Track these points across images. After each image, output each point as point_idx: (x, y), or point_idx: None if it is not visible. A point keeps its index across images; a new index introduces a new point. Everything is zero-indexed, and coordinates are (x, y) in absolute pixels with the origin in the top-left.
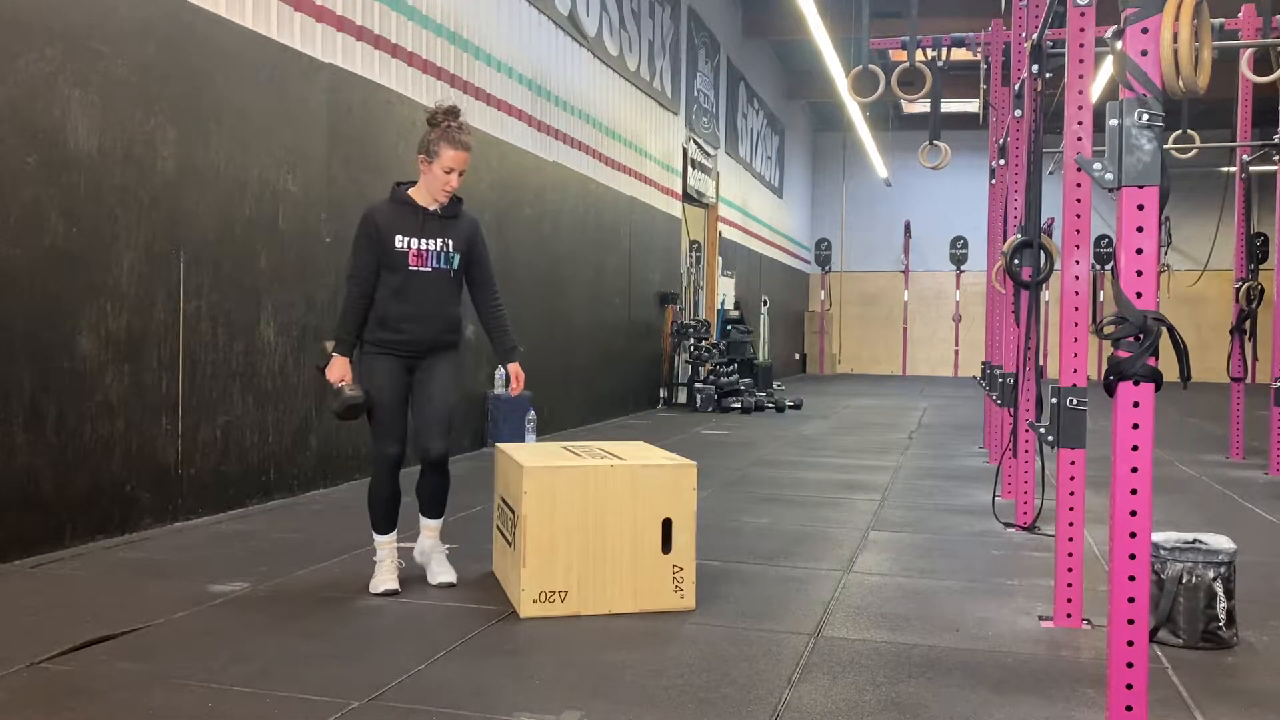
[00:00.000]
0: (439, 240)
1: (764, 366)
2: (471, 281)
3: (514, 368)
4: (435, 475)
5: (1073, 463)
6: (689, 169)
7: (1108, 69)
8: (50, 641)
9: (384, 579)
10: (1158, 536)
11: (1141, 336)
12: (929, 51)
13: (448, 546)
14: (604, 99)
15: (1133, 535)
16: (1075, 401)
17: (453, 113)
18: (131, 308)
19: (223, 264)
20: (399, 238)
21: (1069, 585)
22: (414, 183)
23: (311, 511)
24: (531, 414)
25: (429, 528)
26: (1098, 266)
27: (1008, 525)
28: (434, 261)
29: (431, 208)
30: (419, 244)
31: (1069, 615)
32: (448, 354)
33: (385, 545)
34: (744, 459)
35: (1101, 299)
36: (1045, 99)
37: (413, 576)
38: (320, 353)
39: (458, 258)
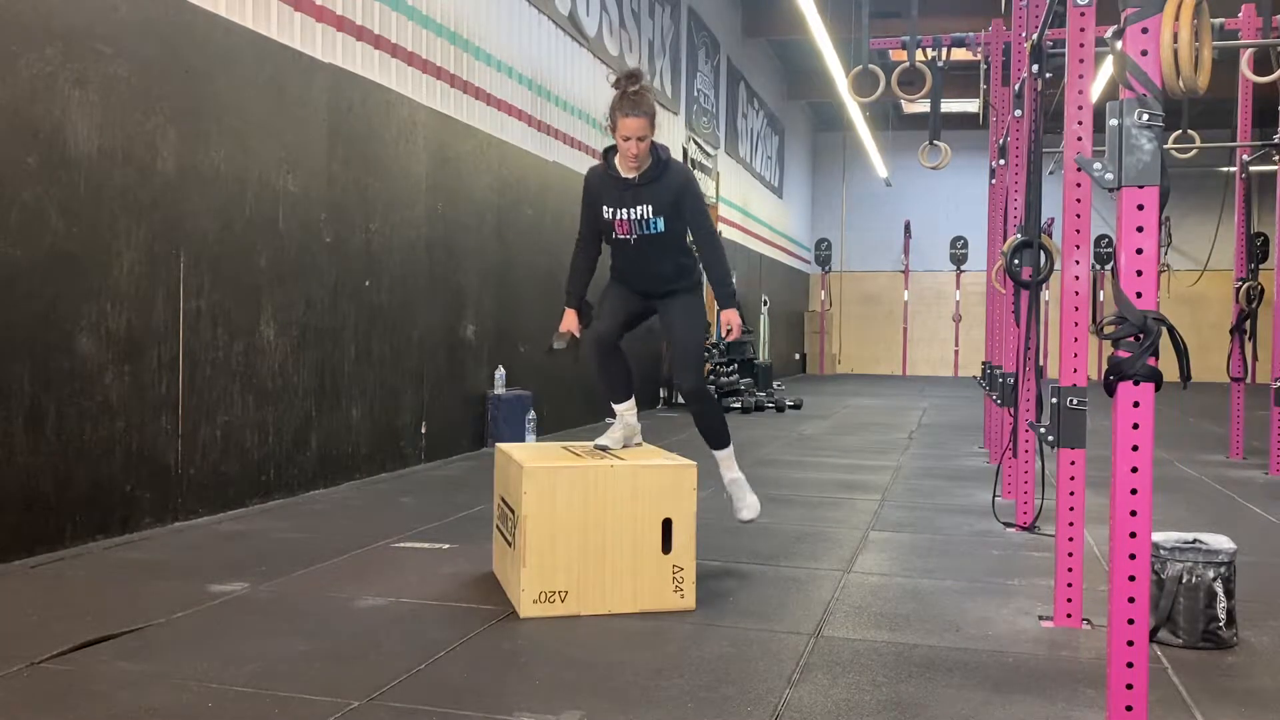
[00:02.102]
0: (638, 208)
1: (764, 366)
2: (692, 234)
3: (726, 314)
4: (694, 405)
5: (1073, 463)
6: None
7: (1108, 69)
8: (50, 641)
9: (603, 437)
10: (1158, 536)
11: (1141, 336)
12: (929, 51)
13: (743, 476)
14: (604, 99)
15: (1133, 535)
16: (1075, 401)
17: (632, 78)
18: (131, 308)
19: (223, 264)
20: (605, 207)
21: (1069, 585)
22: None
23: (311, 511)
24: (531, 414)
25: (719, 460)
26: (1098, 266)
27: (1008, 525)
28: (636, 229)
29: (630, 175)
30: (621, 214)
31: (1069, 615)
32: (681, 296)
33: (617, 410)
34: (744, 459)
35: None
36: (1045, 99)
37: (411, 577)
38: (554, 335)
39: (660, 220)
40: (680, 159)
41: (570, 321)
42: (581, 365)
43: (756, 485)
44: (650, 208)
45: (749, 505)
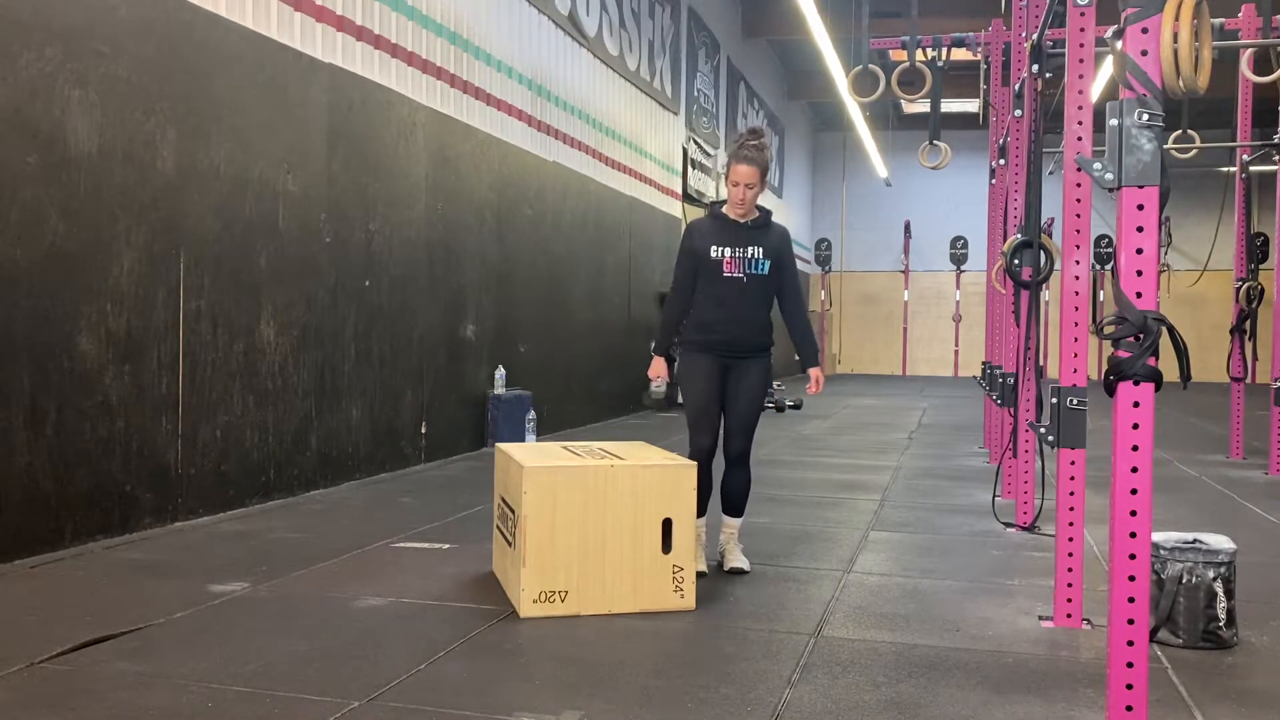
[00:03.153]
0: (749, 249)
1: None
2: (782, 290)
3: (815, 372)
4: (736, 470)
5: (1073, 463)
6: (689, 169)
7: (1108, 69)
8: (50, 641)
9: (737, 555)
10: (1158, 536)
11: (1141, 336)
12: (929, 51)
13: (742, 545)
14: (604, 99)
15: (1133, 535)
16: (1075, 401)
17: (753, 133)
18: (131, 308)
19: (223, 264)
20: (714, 247)
21: (1069, 585)
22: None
23: (311, 511)
24: (531, 414)
25: (728, 525)
26: (1098, 266)
27: (1008, 525)
28: (745, 268)
29: (741, 220)
30: (731, 252)
31: (1069, 615)
32: (760, 359)
33: (700, 523)
34: None
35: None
36: (1045, 99)
37: (411, 577)
38: (655, 384)
39: (768, 264)
40: (680, 159)
41: (661, 368)
42: (582, 365)
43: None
44: (760, 250)
45: (741, 559)
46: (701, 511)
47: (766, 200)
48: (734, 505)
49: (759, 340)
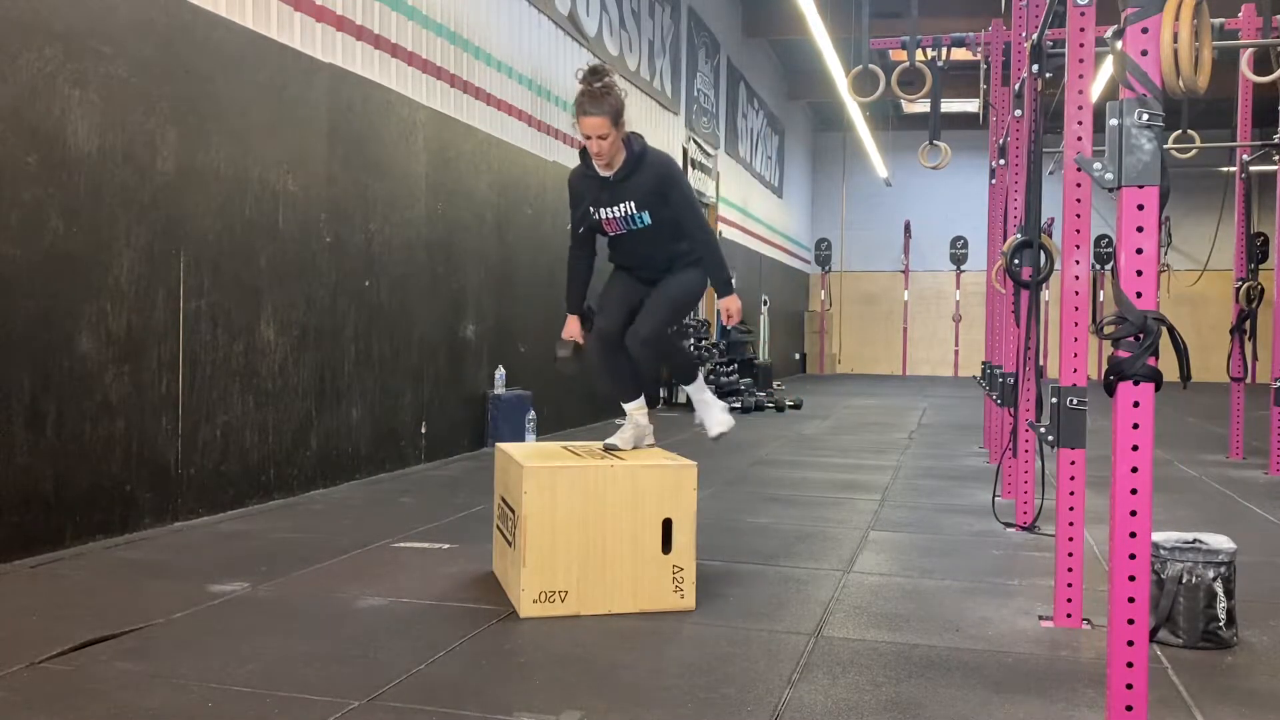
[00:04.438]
0: (621, 206)
1: (764, 366)
2: (679, 223)
3: (722, 302)
4: (647, 351)
5: (1073, 463)
6: (689, 169)
7: (1108, 69)
8: (50, 641)
9: (614, 437)
10: (1158, 536)
11: (1141, 336)
12: (929, 51)
13: (711, 398)
14: None
15: (1133, 535)
16: (1075, 401)
17: (593, 74)
18: (131, 308)
19: (223, 264)
20: (591, 207)
21: (1069, 585)
22: None
23: (311, 511)
24: (531, 414)
25: (690, 391)
26: (1098, 266)
27: (1008, 525)
28: (624, 225)
29: (606, 174)
30: (606, 212)
31: (1069, 615)
32: (679, 271)
33: (629, 410)
34: (744, 459)
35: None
36: (1045, 99)
37: (411, 577)
38: (559, 344)
39: (646, 214)
40: (681, 159)
41: (574, 328)
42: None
43: (756, 485)
44: (633, 204)
45: (719, 421)
46: (632, 394)
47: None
48: (677, 374)
49: (672, 265)
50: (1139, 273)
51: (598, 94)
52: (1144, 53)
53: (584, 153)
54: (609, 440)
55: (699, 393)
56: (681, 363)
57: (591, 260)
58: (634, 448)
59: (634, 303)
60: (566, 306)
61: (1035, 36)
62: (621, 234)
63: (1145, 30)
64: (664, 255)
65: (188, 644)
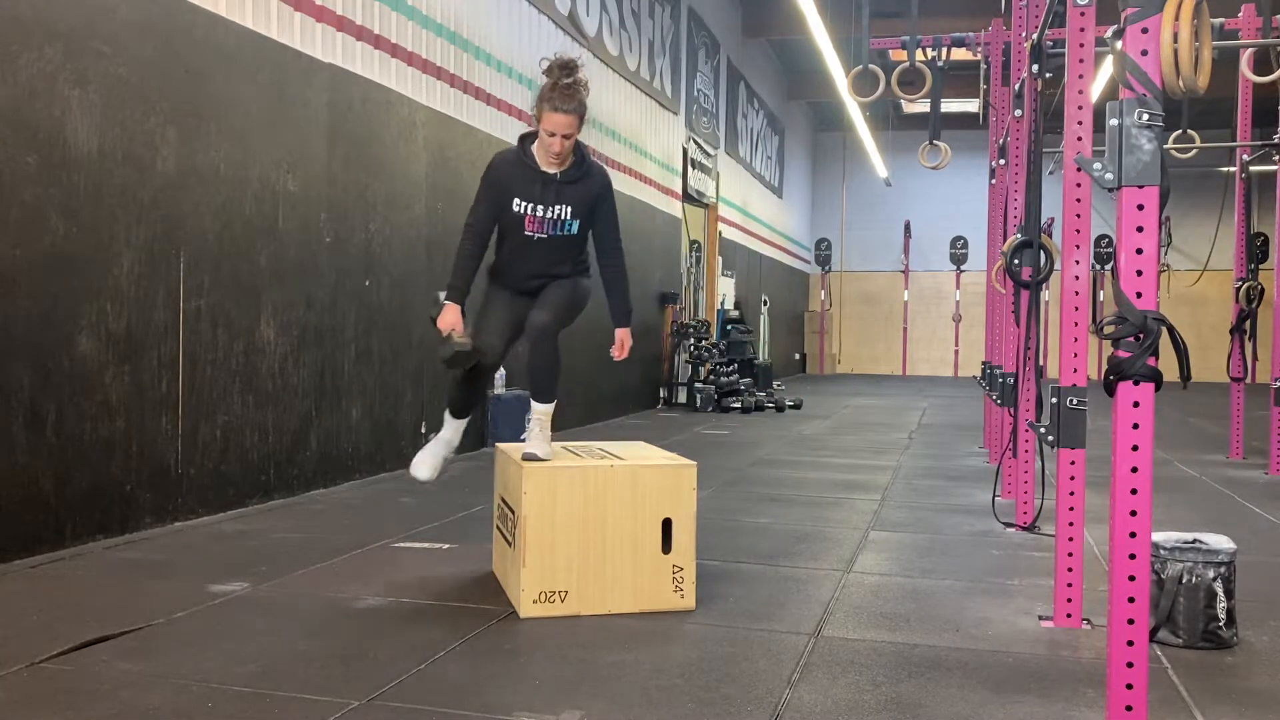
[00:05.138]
0: (557, 208)
1: (764, 366)
2: (595, 239)
3: (621, 333)
4: (542, 344)
5: (1073, 463)
6: (689, 169)
7: (1108, 69)
8: (50, 641)
9: (424, 460)
10: (1158, 536)
11: (1141, 336)
12: (929, 51)
13: (548, 434)
14: (604, 99)
15: (1133, 535)
16: (1075, 401)
17: (566, 67)
18: (131, 308)
19: (223, 264)
20: (516, 200)
21: (1069, 585)
22: None
23: (311, 511)
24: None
25: (535, 411)
26: (1098, 266)
27: (1008, 525)
28: (549, 229)
29: (551, 171)
30: (535, 210)
31: (1069, 615)
32: (566, 278)
33: (450, 425)
34: (744, 459)
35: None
36: (1045, 99)
37: (411, 577)
38: (432, 302)
39: (576, 224)
40: (680, 159)
41: (456, 319)
42: (582, 365)
43: (756, 485)
44: (570, 209)
45: (540, 449)
46: (461, 413)
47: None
48: (538, 386)
49: (561, 273)
50: (1139, 273)
51: (570, 90)
52: (1144, 53)
53: (523, 140)
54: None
55: (544, 419)
56: (556, 371)
57: (485, 249)
58: (441, 464)
59: (517, 321)
60: (449, 295)
61: (1035, 36)
62: (539, 237)
63: (1145, 30)
64: (560, 269)
65: (188, 644)
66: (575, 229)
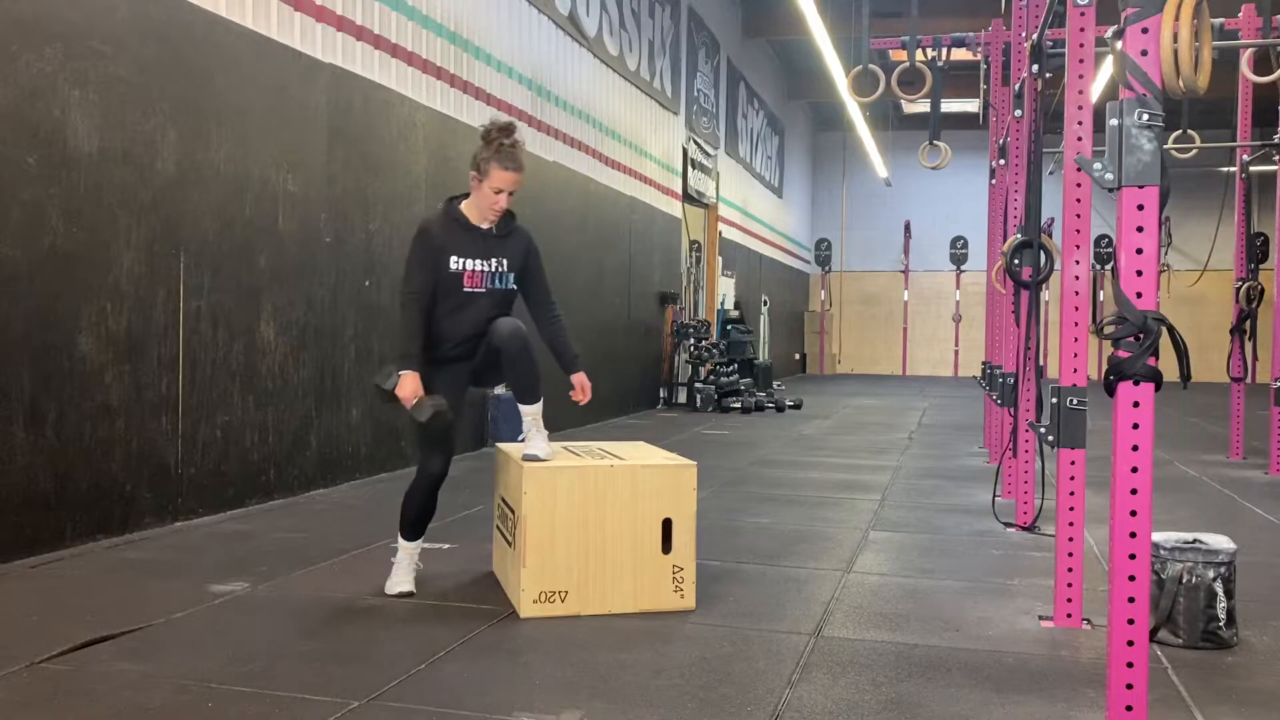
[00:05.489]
0: (494, 260)
1: (764, 366)
2: (528, 298)
3: (578, 377)
4: (515, 344)
5: (1073, 463)
6: (689, 169)
7: (1108, 69)
8: (50, 641)
9: (400, 580)
10: (1158, 536)
11: (1141, 336)
12: (929, 51)
13: (545, 432)
14: (604, 99)
15: (1133, 535)
16: (1075, 401)
17: (507, 130)
18: (131, 308)
19: (223, 264)
20: (454, 258)
21: (1069, 585)
22: (466, 195)
23: (311, 511)
24: None
25: (528, 414)
26: (1098, 266)
27: (1008, 525)
28: (489, 282)
29: (484, 226)
30: (474, 265)
31: (1069, 615)
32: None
33: (407, 549)
34: (744, 459)
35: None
36: (1045, 99)
37: (419, 579)
38: (385, 376)
39: (512, 277)
40: (680, 159)
41: (417, 385)
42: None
43: (756, 485)
44: (505, 262)
45: (541, 448)
46: (416, 535)
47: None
48: (523, 388)
49: None
50: (1139, 273)
51: (515, 150)
52: (1144, 53)
53: (449, 204)
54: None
55: (537, 419)
56: (537, 372)
57: (426, 320)
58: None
59: (456, 424)
60: (405, 364)
61: (1035, 36)
62: (479, 292)
63: (1145, 30)
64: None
65: (188, 644)
66: (511, 282)
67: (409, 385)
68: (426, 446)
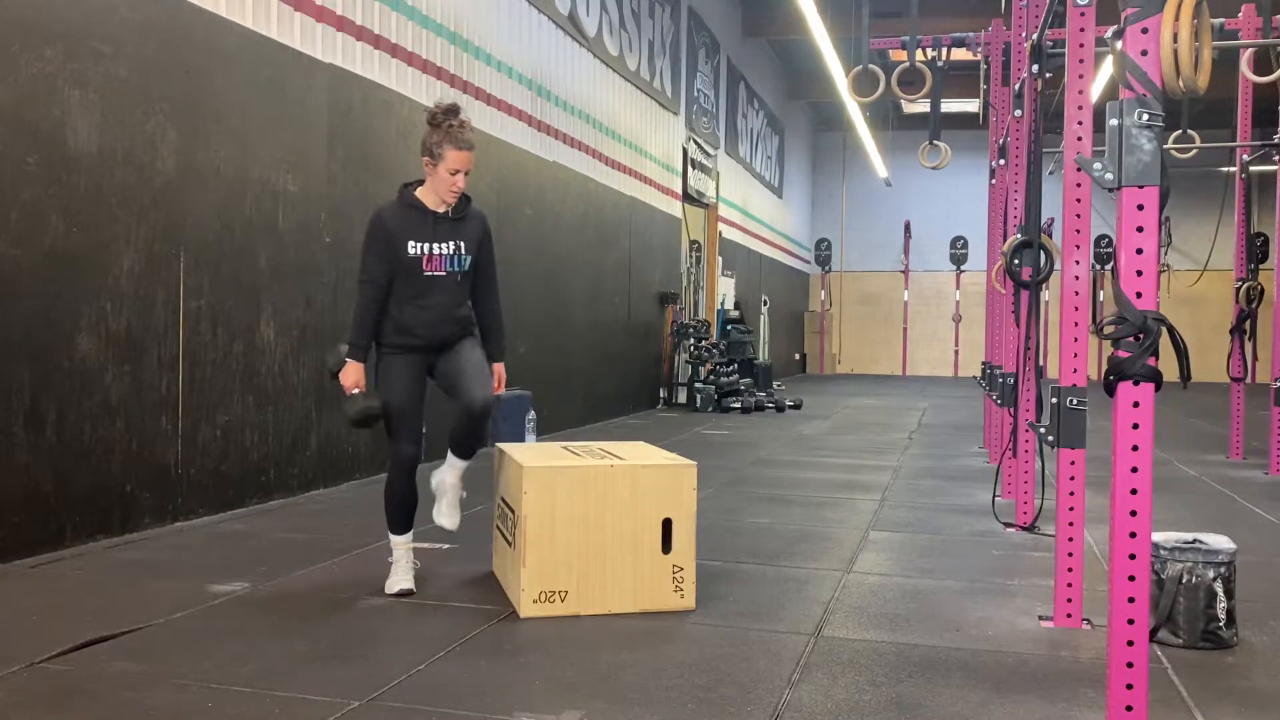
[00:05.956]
0: (451, 243)
1: (764, 366)
2: (476, 281)
3: (498, 368)
4: (481, 421)
5: (1073, 463)
6: (689, 169)
7: (1108, 69)
8: (50, 641)
9: (399, 579)
10: (1158, 536)
11: (1141, 336)
12: (929, 51)
13: (465, 493)
14: (604, 99)
15: (1133, 535)
16: (1075, 401)
17: (453, 111)
18: (131, 308)
19: (223, 264)
20: (411, 243)
21: (1069, 585)
22: (421, 182)
23: (311, 511)
24: (531, 414)
25: (455, 466)
26: (1098, 266)
27: (1008, 525)
28: (447, 265)
29: (440, 210)
30: (432, 249)
31: (1069, 615)
32: (466, 339)
33: (401, 545)
34: (744, 459)
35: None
36: (1045, 99)
37: (419, 578)
38: (334, 356)
39: (470, 259)
40: (680, 159)
41: (360, 376)
42: (582, 365)
43: (756, 485)
44: (463, 245)
45: (449, 516)
46: (406, 526)
47: (766, 200)
48: (468, 449)
49: (463, 331)
50: (1139, 273)
51: (462, 130)
52: (1144, 53)
53: (404, 190)
54: (398, 587)
55: (456, 477)
56: (485, 438)
57: (381, 310)
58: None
59: (423, 395)
60: (352, 353)
61: (1035, 36)
62: (439, 275)
63: (1145, 30)
64: (464, 315)
65: (188, 644)
66: (468, 264)
67: (351, 375)
68: (392, 433)
